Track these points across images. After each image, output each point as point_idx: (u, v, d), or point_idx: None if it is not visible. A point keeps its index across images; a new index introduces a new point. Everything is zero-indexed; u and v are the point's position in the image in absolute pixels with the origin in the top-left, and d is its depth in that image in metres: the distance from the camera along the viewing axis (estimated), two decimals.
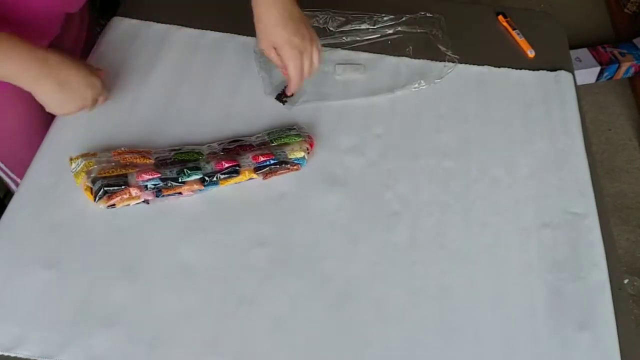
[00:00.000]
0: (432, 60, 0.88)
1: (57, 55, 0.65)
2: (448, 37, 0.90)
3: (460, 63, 0.87)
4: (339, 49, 0.88)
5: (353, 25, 0.90)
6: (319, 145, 0.77)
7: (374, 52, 0.88)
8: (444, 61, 0.87)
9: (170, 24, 0.90)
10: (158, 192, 0.69)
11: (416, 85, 0.84)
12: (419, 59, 0.88)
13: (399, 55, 0.88)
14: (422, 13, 0.93)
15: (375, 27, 0.90)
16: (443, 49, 0.88)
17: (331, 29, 0.89)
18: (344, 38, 0.89)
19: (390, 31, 0.90)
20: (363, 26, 0.90)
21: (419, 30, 0.91)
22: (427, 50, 0.89)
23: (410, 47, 0.89)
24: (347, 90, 0.83)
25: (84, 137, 0.76)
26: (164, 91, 0.82)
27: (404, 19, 0.91)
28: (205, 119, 0.79)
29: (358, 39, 0.89)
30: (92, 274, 0.65)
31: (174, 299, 0.64)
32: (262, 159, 0.72)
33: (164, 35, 0.88)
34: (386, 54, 0.88)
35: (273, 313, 0.64)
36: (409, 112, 0.82)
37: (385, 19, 0.91)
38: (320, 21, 0.89)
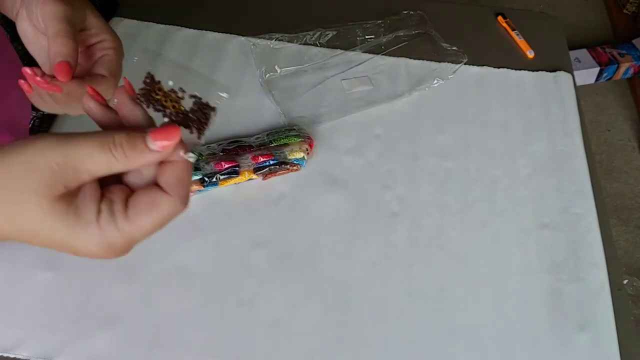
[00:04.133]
0: (436, 57, 0.88)
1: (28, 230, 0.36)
2: (439, 33, 0.90)
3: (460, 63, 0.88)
4: (340, 65, 0.87)
5: (345, 37, 0.89)
6: (319, 145, 0.77)
7: (375, 58, 0.88)
8: (447, 58, 0.88)
9: (169, 24, 0.90)
10: None
11: (435, 82, 0.85)
12: (424, 59, 0.88)
13: (401, 57, 0.88)
14: (405, 12, 0.93)
15: (369, 35, 0.90)
16: (446, 45, 0.88)
17: (322, 42, 0.88)
18: (339, 51, 0.88)
19: (388, 36, 0.90)
20: (358, 36, 0.89)
21: (414, 32, 0.91)
22: (428, 48, 0.89)
23: (413, 48, 0.89)
24: (368, 99, 0.83)
25: None
26: None
27: (389, 22, 0.91)
28: None
29: (356, 47, 0.88)
30: (91, 274, 0.65)
31: (173, 300, 0.64)
32: (261, 159, 0.72)
33: (163, 35, 0.88)
34: (389, 58, 0.88)
35: (272, 314, 0.64)
36: (408, 113, 0.83)
37: (378, 22, 0.91)
38: (311, 40, 0.88)
